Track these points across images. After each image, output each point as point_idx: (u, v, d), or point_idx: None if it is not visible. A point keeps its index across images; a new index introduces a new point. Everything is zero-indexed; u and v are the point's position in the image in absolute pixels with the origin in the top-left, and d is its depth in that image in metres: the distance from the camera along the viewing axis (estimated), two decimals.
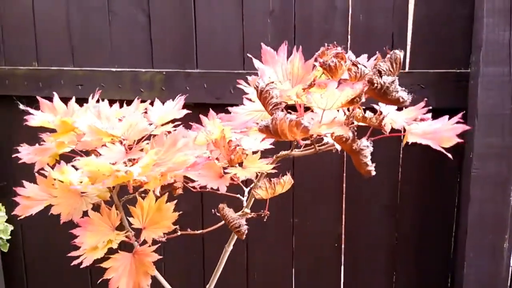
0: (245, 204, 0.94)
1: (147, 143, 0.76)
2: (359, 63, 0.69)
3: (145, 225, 0.82)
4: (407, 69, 1.63)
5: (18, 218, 0.85)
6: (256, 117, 0.73)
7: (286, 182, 0.79)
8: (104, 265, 0.77)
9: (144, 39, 1.85)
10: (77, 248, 0.78)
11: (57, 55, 1.95)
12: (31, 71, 1.96)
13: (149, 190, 0.80)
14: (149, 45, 1.85)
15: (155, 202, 0.82)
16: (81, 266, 0.76)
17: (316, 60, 0.70)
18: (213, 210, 0.87)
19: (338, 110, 0.72)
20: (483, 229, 1.49)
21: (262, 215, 0.87)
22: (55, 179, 0.88)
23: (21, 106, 0.85)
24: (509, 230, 1.48)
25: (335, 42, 0.74)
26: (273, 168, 0.83)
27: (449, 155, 0.69)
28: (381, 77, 0.62)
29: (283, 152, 0.83)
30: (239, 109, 0.76)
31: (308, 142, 0.76)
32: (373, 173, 0.65)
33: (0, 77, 2.00)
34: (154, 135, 0.80)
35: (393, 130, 0.75)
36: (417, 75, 1.60)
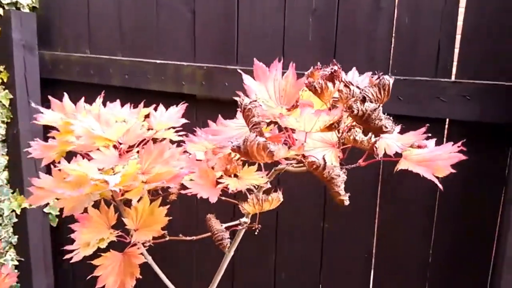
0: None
1: (138, 150, 0.77)
2: (351, 85, 0.66)
3: (138, 226, 0.84)
4: (453, 79, 1.54)
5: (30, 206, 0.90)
6: (242, 133, 0.72)
7: (274, 199, 0.78)
8: (95, 262, 0.80)
9: (188, 34, 1.88)
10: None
11: (108, 44, 2.03)
12: (83, 58, 2.06)
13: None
14: (193, 40, 1.88)
15: (149, 206, 0.83)
16: (71, 261, 0.79)
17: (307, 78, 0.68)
18: (208, 215, 0.88)
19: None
20: None
21: (253, 228, 0.86)
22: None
23: (33, 105, 0.89)
24: None
25: (334, 60, 0.71)
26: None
27: (440, 186, 0.65)
28: (364, 103, 0.59)
29: (281, 166, 0.82)
30: (230, 122, 0.76)
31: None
32: (346, 203, 0.62)
33: (55, 62, 2.12)
34: (155, 140, 0.82)
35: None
36: (463, 86, 1.50)
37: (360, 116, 0.59)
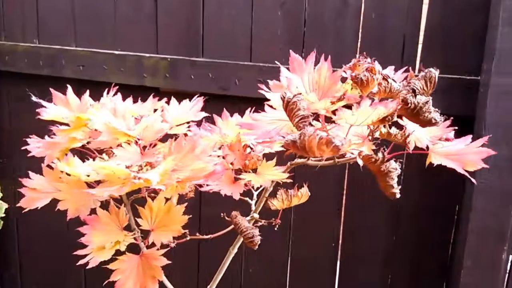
0: (253, 208, 0.92)
1: (160, 147, 0.73)
2: (389, 77, 0.66)
3: (153, 227, 0.79)
4: (416, 72, 1.61)
5: (23, 211, 0.82)
6: (279, 127, 0.70)
7: (303, 194, 0.77)
8: (111, 266, 0.75)
9: (150, 23, 1.80)
10: (81, 246, 0.76)
11: (59, 33, 1.90)
12: (32, 48, 1.91)
13: (160, 191, 0.78)
14: (155, 30, 1.80)
15: (165, 204, 0.79)
16: (87, 267, 0.73)
17: (347, 71, 0.68)
18: (222, 214, 0.85)
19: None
20: (483, 240, 1.49)
21: (273, 223, 0.85)
22: (62, 172, 0.85)
23: (34, 98, 0.81)
24: (508, 242, 1.48)
25: (364, 53, 0.71)
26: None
27: (473, 180, 0.68)
28: (415, 96, 0.59)
29: (298, 160, 0.81)
30: (260, 116, 0.73)
31: None
32: (398, 195, 0.63)
33: None
34: (172, 136, 0.77)
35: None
36: None
37: (412, 109, 0.60)
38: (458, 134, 1.57)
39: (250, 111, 0.92)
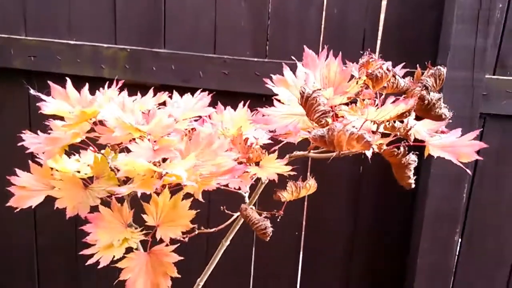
0: (247, 200, 0.93)
1: (168, 142, 0.71)
2: (396, 74, 0.70)
3: (159, 222, 0.78)
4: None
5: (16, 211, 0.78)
6: (296, 122, 0.72)
7: (311, 186, 0.79)
8: (120, 265, 0.73)
9: (108, 12, 1.73)
10: (85, 245, 0.73)
11: (7, 21, 1.78)
12: None
13: (164, 187, 0.76)
14: (113, 19, 1.74)
15: (170, 199, 0.78)
16: (99, 267, 0.71)
17: (360, 68, 0.71)
18: (222, 207, 0.85)
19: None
20: (438, 223, 1.59)
21: (276, 215, 0.87)
22: (52, 169, 0.82)
23: (32, 92, 0.76)
24: (460, 225, 1.61)
25: (369, 50, 0.74)
26: None
27: (469, 171, 0.73)
28: (429, 93, 0.63)
29: (298, 152, 0.83)
30: (270, 111, 0.74)
31: None
32: (413, 185, 0.67)
33: None
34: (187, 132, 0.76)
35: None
36: None
37: (426, 105, 0.64)
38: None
39: (244, 105, 0.93)
